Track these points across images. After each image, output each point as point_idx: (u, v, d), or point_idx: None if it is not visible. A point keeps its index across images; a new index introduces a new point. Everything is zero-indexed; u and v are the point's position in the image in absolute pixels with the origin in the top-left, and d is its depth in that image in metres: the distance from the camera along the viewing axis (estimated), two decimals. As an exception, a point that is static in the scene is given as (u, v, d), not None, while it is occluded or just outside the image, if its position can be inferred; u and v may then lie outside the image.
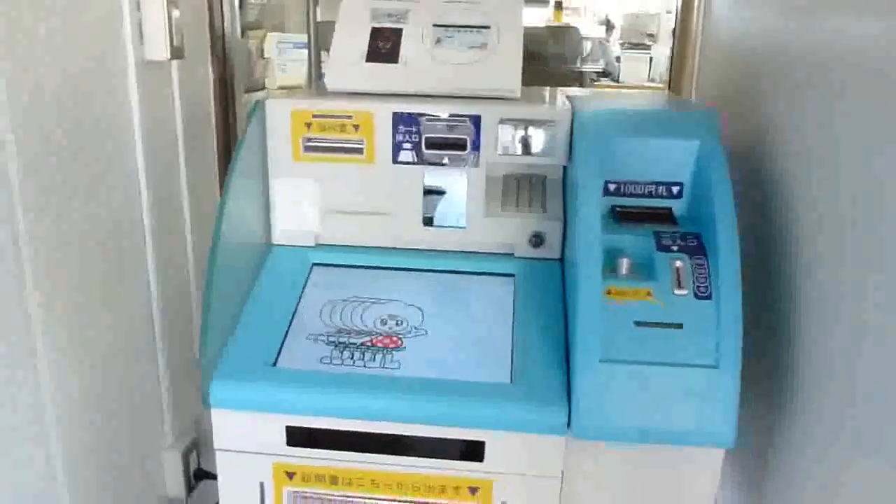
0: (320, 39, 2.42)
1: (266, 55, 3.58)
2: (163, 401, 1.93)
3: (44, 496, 1.45)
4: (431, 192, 1.42)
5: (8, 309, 1.29)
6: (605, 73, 5.64)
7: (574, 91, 1.66)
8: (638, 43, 5.71)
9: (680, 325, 1.15)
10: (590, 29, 6.25)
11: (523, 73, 1.45)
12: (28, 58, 1.30)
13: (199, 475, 2.10)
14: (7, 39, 1.24)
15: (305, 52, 4.65)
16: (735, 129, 1.46)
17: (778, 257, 1.28)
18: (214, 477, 1.47)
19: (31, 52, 1.31)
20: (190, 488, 2.07)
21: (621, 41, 5.97)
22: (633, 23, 5.92)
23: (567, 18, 6.29)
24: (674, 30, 2.03)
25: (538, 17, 6.31)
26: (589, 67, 5.28)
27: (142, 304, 1.77)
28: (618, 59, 5.71)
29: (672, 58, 2.04)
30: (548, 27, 5.66)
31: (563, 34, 5.33)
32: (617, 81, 5.56)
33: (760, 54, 1.45)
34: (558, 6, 5.75)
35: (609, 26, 6.46)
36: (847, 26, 1.09)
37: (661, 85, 5.13)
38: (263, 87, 3.41)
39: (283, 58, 4.38)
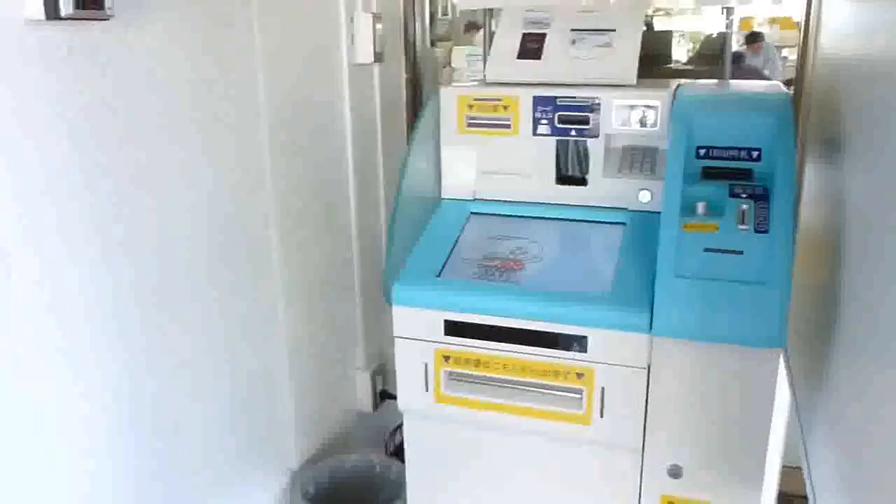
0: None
1: (453, 64, 4.10)
2: (357, 329, 2.47)
3: (272, 395, 2.01)
4: (562, 158, 1.84)
5: (258, 241, 1.87)
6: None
7: (690, 81, 2.00)
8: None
9: (741, 252, 1.50)
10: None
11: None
12: (280, 62, 1.88)
13: (384, 395, 2.62)
14: (267, 51, 1.82)
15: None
16: (828, 121, 1.74)
17: (837, 209, 1.57)
18: (396, 397, 1.94)
19: (281, 58, 1.89)
20: (375, 405, 2.60)
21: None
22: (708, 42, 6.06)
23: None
24: (801, 40, 2.31)
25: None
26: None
27: (345, 248, 2.33)
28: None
29: (798, 60, 2.33)
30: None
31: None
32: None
33: (847, 64, 1.72)
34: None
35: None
36: None
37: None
38: (449, 92, 3.92)
39: (472, 69, 4.90)
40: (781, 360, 1.67)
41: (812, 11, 2.17)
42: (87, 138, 1.39)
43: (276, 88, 1.88)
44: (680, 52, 6.59)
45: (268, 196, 1.90)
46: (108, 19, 1.32)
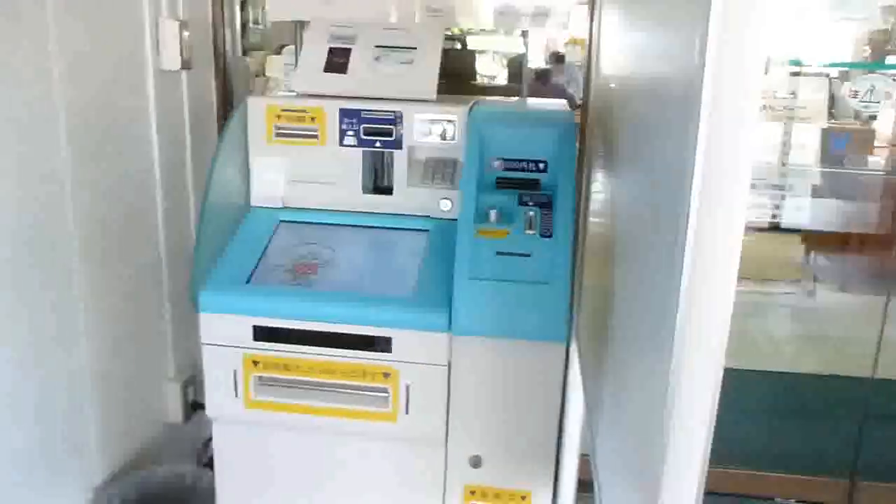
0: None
1: (267, 74, 4.09)
2: (167, 339, 2.42)
3: (72, 406, 1.95)
4: (368, 168, 1.92)
5: (58, 247, 1.80)
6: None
7: (487, 98, 2.15)
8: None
9: (528, 255, 1.65)
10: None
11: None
12: (80, 66, 1.83)
13: (195, 406, 2.58)
14: (64, 52, 1.77)
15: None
16: (604, 135, 1.93)
17: (610, 215, 1.76)
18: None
19: (81, 62, 1.84)
20: (187, 416, 2.55)
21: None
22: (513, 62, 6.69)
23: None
24: (586, 60, 2.53)
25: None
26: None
27: (153, 257, 2.28)
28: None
29: (584, 79, 2.55)
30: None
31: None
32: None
33: (617, 83, 1.93)
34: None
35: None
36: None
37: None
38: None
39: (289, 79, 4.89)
40: (575, 357, 1.83)
41: (593, 34, 2.39)
42: None
43: (77, 93, 1.83)
44: (495, 70, 6.98)
45: (68, 202, 1.84)
46: None
